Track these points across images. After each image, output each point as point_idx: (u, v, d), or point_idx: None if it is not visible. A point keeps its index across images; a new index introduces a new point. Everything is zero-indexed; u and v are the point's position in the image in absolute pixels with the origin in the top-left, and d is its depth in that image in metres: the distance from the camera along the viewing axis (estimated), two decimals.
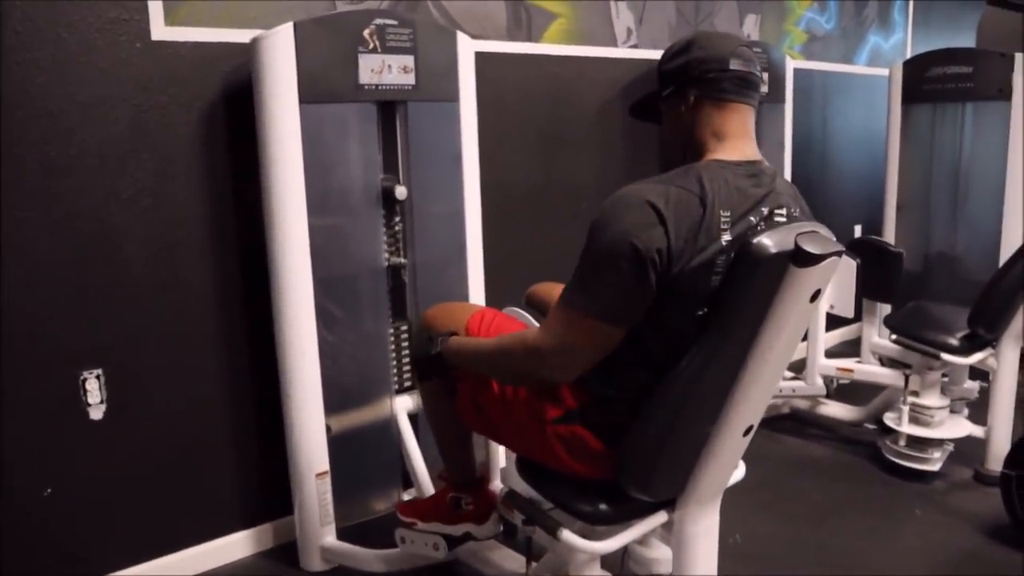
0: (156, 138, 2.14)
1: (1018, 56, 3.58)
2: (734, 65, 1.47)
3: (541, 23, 2.94)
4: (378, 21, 2.17)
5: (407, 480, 2.46)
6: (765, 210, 1.43)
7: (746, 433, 1.54)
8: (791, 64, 3.64)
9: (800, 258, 1.33)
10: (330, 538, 2.33)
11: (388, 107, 2.29)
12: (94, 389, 2.11)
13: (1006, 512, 2.45)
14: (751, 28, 3.74)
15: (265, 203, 2.15)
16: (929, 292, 3.81)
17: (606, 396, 1.52)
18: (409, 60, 2.25)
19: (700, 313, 1.40)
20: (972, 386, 3.03)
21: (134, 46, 2.08)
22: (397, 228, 2.38)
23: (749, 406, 1.49)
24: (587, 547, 1.54)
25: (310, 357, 2.22)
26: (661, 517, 1.63)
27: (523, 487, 1.71)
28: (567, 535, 1.54)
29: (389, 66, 2.21)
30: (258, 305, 2.28)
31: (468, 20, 2.71)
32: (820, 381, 3.26)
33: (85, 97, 2.02)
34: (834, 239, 1.44)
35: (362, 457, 2.39)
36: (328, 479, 2.31)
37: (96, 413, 2.12)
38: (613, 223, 1.37)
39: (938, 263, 4.00)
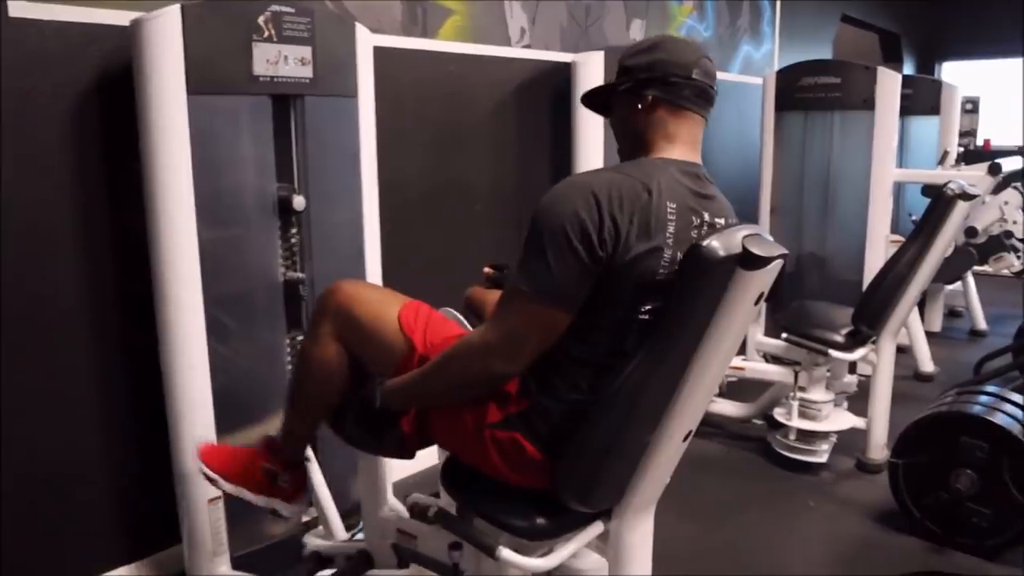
0: (15, 130, 1.89)
1: (880, 69, 3.81)
2: (696, 75, 1.47)
3: (436, 19, 2.85)
4: (274, 8, 2.02)
5: (308, 499, 2.30)
6: (707, 215, 1.44)
7: (685, 438, 1.51)
8: None
9: (748, 260, 1.31)
10: (224, 568, 2.15)
11: (283, 101, 2.14)
12: None
13: (894, 498, 2.56)
14: (637, 33, 3.79)
15: (148, 205, 1.95)
16: (802, 291, 3.99)
17: (547, 404, 1.46)
18: (307, 51, 2.11)
19: (643, 312, 1.39)
20: (851, 380, 3.18)
21: None
22: (294, 241, 2.23)
23: (691, 411, 1.46)
24: (531, 565, 1.46)
25: (199, 372, 2.03)
26: (598, 528, 1.58)
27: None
28: (507, 554, 1.46)
29: (285, 57, 2.06)
30: (139, 318, 2.06)
31: (363, 14, 2.58)
32: None
33: None
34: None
35: None
36: (221, 504, 2.12)
37: None
38: (558, 205, 1.35)
39: (809, 263, 4.20)
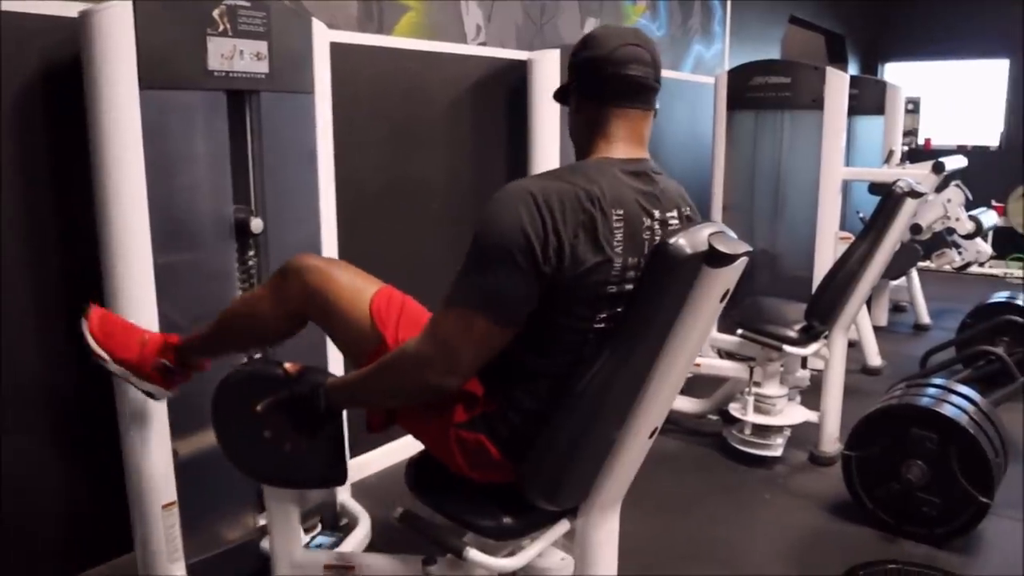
0: None
1: (829, 70, 3.88)
2: (626, 70, 1.43)
3: (393, 16, 2.82)
4: (229, 1, 1.97)
5: (263, 503, 2.25)
6: (657, 212, 1.43)
7: (651, 435, 1.52)
8: None
9: (714, 258, 1.32)
10: (179, 574, 2.09)
11: (239, 97, 2.09)
12: None
13: (847, 490, 2.62)
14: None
15: (98, 201, 1.88)
16: (754, 288, 4.04)
17: (510, 411, 1.46)
18: (263, 46, 2.06)
19: (599, 322, 1.39)
20: (804, 375, 3.24)
21: None
22: (251, 263, 2.19)
23: (657, 408, 1.47)
24: (498, 565, 1.46)
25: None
26: (564, 526, 1.59)
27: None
28: (474, 554, 1.45)
29: (241, 51, 2.02)
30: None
31: (318, 9, 2.54)
32: None
33: None
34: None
35: (214, 482, 2.16)
36: (176, 510, 2.07)
37: None
38: (501, 219, 1.32)
39: (761, 260, 4.26)
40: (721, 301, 1.39)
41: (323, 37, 2.25)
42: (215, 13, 1.95)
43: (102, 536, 2.18)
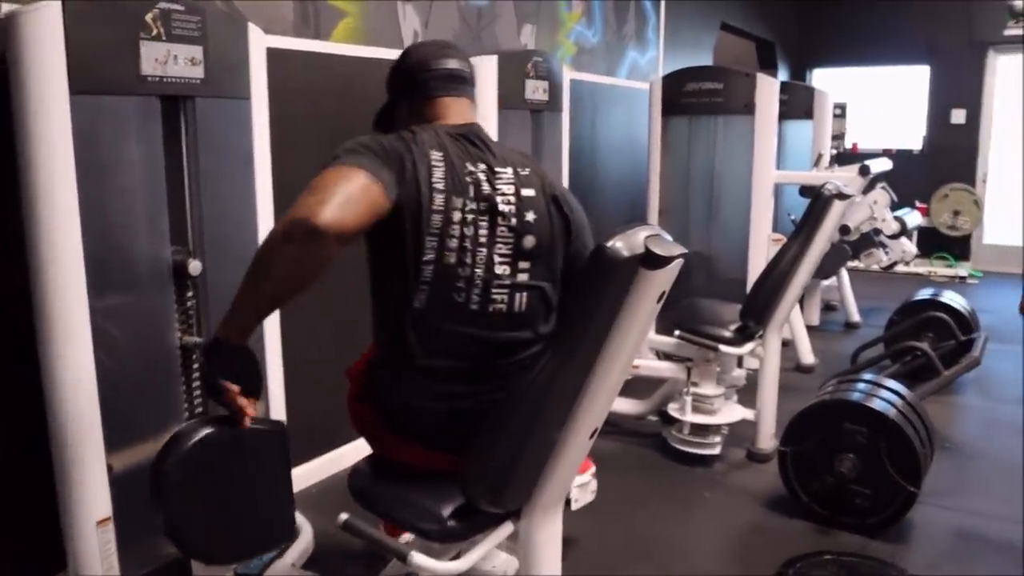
0: None
1: (760, 76, 3.99)
2: (444, 64, 1.66)
3: (329, 21, 2.80)
4: (163, 5, 1.93)
5: None
6: (482, 165, 1.57)
7: (591, 436, 1.54)
8: (568, 75, 3.77)
9: (650, 260, 1.35)
10: None
11: (173, 102, 2.05)
12: None
13: (783, 485, 2.69)
14: (528, 38, 3.84)
15: (27, 207, 1.83)
16: (690, 289, 4.12)
17: (375, 376, 1.65)
18: (198, 51, 2.03)
19: (426, 262, 1.50)
20: (740, 374, 3.31)
21: None
22: (189, 301, 2.16)
23: (598, 409, 1.49)
24: (443, 569, 1.46)
25: (86, 388, 1.92)
26: (508, 528, 1.60)
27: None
28: (419, 558, 1.46)
29: (175, 56, 1.98)
30: (14, 322, 1.94)
31: (254, 14, 2.52)
32: None
33: None
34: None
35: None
36: (111, 526, 2.01)
37: None
38: (363, 141, 1.50)
39: (696, 262, 4.34)
40: (658, 302, 1.42)
41: (259, 42, 2.22)
42: (148, 17, 1.92)
43: (34, 554, 2.12)
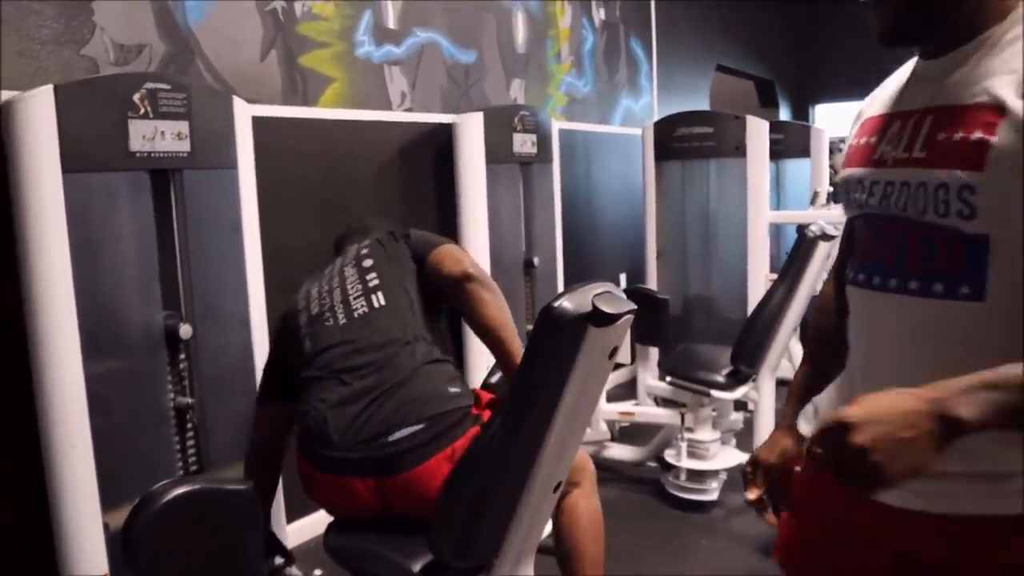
0: None
1: (749, 118, 4.06)
2: None
3: (317, 87, 2.91)
4: (149, 85, 2.04)
5: None
6: None
7: (555, 489, 1.58)
8: (556, 125, 3.86)
9: (598, 318, 1.39)
10: None
11: (162, 176, 2.16)
12: None
13: None
14: (517, 92, 3.94)
15: (24, 284, 1.93)
16: (690, 333, 4.15)
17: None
18: (183, 126, 2.14)
19: None
20: (737, 417, 3.33)
21: None
22: (181, 363, 2.24)
23: (557, 465, 1.53)
24: None
25: (82, 451, 1.99)
26: None
27: None
28: None
29: (162, 132, 2.09)
30: (13, 389, 2.02)
31: (242, 84, 2.63)
32: (604, 426, 3.44)
33: None
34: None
35: None
36: None
37: None
38: None
39: (696, 305, 4.38)
40: (610, 358, 1.47)
41: (244, 112, 2.33)
42: (136, 97, 2.03)
43: None
